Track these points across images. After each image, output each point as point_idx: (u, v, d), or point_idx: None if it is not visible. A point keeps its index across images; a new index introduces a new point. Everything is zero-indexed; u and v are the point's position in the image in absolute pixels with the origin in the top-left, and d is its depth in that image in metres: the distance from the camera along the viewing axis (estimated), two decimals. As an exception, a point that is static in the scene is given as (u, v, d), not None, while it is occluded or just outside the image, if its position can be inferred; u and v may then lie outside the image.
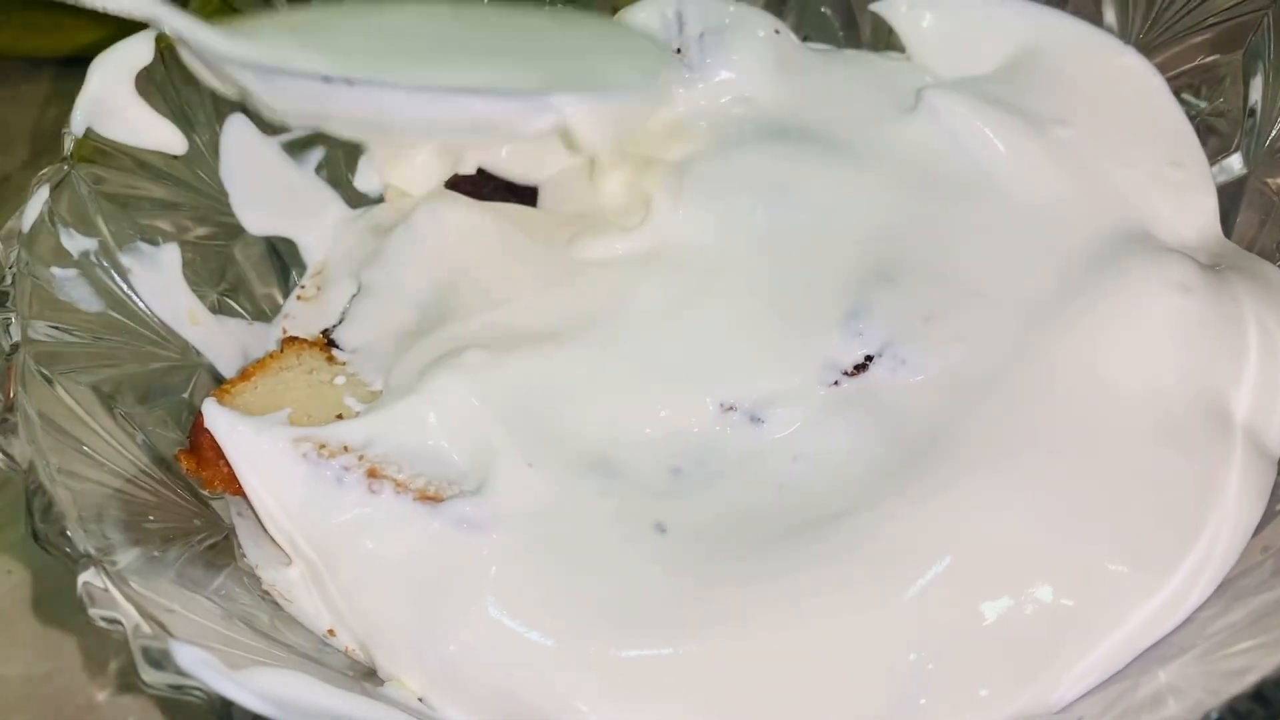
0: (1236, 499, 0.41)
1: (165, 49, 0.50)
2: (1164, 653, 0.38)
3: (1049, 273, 0.47)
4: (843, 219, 0.50)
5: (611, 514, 0.43)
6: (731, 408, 0.46)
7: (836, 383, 0.46)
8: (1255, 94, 0.49)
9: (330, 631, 0.43)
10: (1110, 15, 0.54)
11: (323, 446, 0.43)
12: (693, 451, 0.45)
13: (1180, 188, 0.51)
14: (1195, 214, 0.51)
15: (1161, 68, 0.53)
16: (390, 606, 0.42)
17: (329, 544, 0.42)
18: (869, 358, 0.46)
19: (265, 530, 0.44)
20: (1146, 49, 0.53)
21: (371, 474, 0.43)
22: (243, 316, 0.53)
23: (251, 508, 0.44)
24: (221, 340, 0.50)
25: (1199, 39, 0.51)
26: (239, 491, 0.44)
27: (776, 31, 0.57)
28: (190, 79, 0.51)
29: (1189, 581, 0.40)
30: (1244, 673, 0.32)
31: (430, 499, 0.43)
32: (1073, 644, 0.39)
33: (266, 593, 0.42)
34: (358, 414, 0.45)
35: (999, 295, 0.47)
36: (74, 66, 0.50)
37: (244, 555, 0.44)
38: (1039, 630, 0.39)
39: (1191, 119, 0.52)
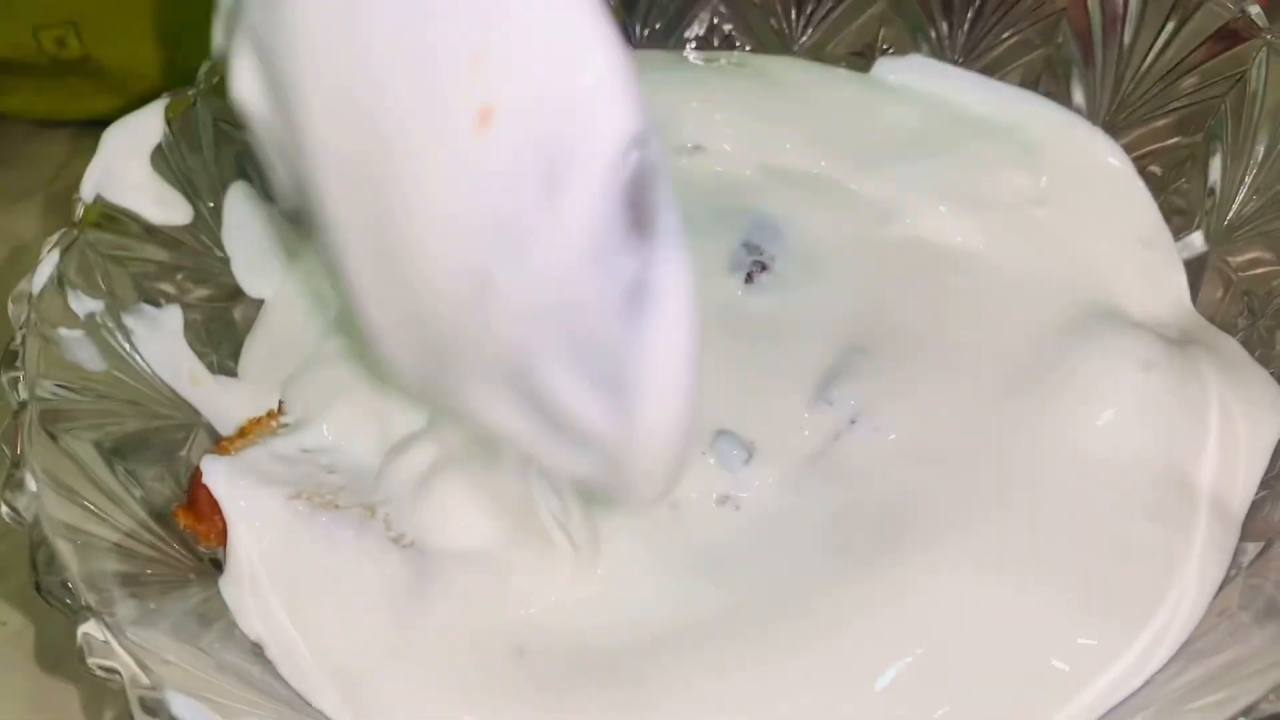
0: (1199, 566, 0.43)
1: (172, 119, 0.51)
2: (1120, 715, 0.39)
3: (1021, 347, 0.49)
4: (817, 292, 0.51)
5: None
6: None
7: (808, 454, 0.46)
8: (1214, 174, 0.51)
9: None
10: (1079, 97, 0.56)
11: (317, 498, 0.45)
12: None
13: (1149, 264, 0.53)
14: (1165, 290, 0.52)
15: (1127, 149, 0.55)
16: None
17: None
18: (841, 427, 0.46)
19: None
20: (1113, 130, 0.55)
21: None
22: (242, 376, 0.53)
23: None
24: (221, 400, 0.51)
25: (1162, 122, 0.53)
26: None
27: None
28: (196, 148, 0.53)
29: (1152, 646, 0.41)
30: (1191, 732, 0.33)
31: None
32: (1038, 712, 0.40)
33: (257, 646, 0.43)
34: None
35: (971, 367, 0.48)
36: (89, 129, 0.51)
37: (237, 609, 0.45)
38: (1005, 700, 0.40)
39: (1155, 198, 0.54)
